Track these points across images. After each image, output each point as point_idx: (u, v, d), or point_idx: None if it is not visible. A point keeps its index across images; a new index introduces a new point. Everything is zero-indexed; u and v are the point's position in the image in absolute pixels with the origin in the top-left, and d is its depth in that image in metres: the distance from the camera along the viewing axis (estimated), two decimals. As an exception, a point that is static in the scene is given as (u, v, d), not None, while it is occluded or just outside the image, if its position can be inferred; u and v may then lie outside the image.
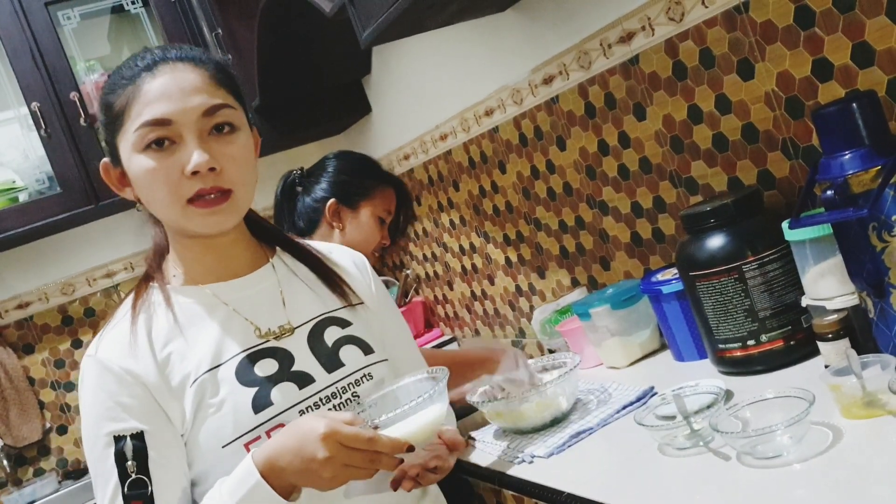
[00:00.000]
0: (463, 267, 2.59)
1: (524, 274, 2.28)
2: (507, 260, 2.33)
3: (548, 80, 1.87)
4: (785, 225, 1.25)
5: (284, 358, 1.14)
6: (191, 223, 1.08)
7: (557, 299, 2.13)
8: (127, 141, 1.07)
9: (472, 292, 2.60)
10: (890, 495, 0.87)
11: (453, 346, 2.67)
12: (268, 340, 1.14)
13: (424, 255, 2.83)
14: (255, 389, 1.08)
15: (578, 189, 1.93)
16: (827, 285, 1.23)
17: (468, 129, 2.25)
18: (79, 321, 3.07)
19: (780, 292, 1.32)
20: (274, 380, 1.10)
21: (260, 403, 1.07)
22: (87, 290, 3.08)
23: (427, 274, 2.86)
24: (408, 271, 2.95)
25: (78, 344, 3.05)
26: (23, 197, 2.83)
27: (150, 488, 1.01)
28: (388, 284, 3.01)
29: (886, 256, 1.07)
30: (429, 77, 2.36)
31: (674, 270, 1.57)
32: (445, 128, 2.36)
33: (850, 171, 1.09)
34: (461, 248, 2.56)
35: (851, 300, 1.18)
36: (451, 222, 2.55)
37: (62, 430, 3.00)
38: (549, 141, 1.95)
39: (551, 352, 1.88)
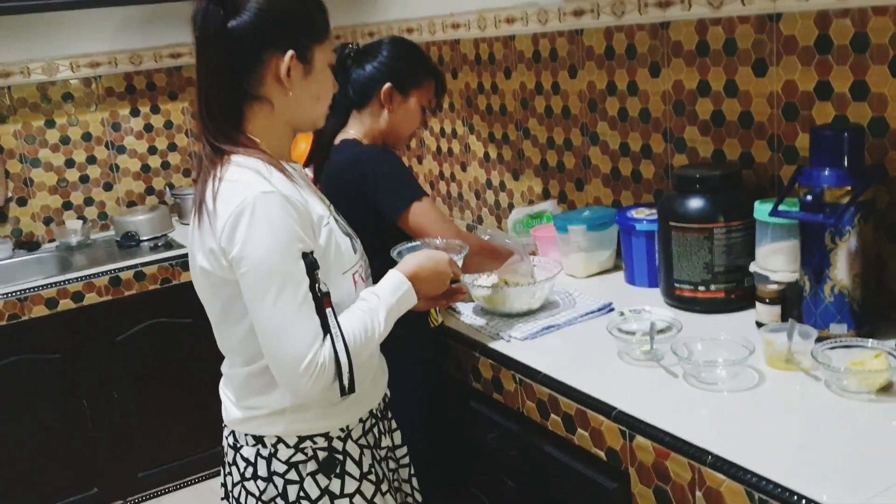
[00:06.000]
0: (438, 147, 2.82)
1: (499, 171, 2.53)
2: (486, 154, 2.57)
3: (578, 14, 2.07)
4: (757, 204, 1.57)
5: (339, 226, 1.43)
6: (322, 118, 1.43)
7: (526, 203, 2.41)
8: (324, 53, 1.36)
9: (441, 172, 2.84)
10: (788, 429, 1.22)
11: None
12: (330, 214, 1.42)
13: (400, 125, 3.01)
14: (347, 239, 1.38)
15: (576, 115, 2.17)
16: (776, 260, 1.55)
17: (484, 27, 2.43)
18: (56, 103, 3.11)
19: (735, 255, 1.64)
20: (348, 237, 1.38)
21: (352, 249, 1.39)
22: (69, 75, 3.12)
23: (398, 142, 3.06)
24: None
25: (51, 124, 3.11)
26: (19, -34, 2.80)
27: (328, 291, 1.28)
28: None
29: (832, 255, 1.40)
30: (455, -35, 2.49)
31: (646, 210, 1.88)
32: (460, 18, 2.52)
33: (827, 185, 1.39)
34: (442, 130, 2.77)
35: (792, 277, 1.52)
36: (438, 104, 2.73)
37: (22, 202, 3.09)
38: (562, 66, 2.17)
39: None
